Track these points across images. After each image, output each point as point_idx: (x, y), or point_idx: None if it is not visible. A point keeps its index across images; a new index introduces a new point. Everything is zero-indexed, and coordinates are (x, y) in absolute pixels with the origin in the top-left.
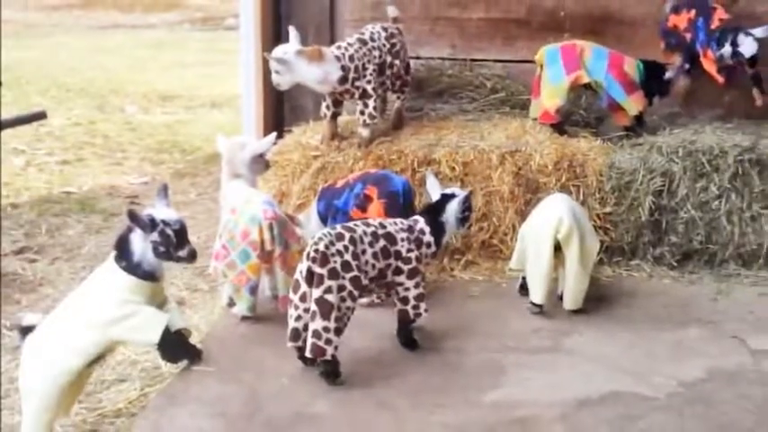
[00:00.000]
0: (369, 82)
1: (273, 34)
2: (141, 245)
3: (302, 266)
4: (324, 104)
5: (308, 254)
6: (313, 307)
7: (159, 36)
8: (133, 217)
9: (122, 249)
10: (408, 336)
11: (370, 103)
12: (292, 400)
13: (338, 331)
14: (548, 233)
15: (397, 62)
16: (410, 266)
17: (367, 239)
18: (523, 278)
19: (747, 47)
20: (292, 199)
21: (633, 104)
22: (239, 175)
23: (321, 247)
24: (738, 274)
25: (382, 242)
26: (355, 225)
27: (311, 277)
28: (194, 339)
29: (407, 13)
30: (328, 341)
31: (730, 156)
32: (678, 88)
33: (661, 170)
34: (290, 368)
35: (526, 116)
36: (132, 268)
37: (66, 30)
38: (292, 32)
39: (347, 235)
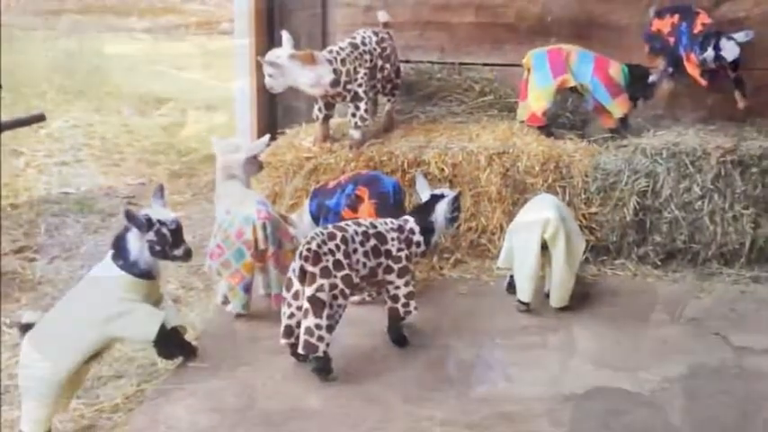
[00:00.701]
0: (360, 85)
1: (267, 38)
2: (138, 244)
3: (295, 265)
4: (316, 107)
5: (301, 253)
6: (305, 305)
7: (155, 40)
8: (130, 217)
9: (119, 248)
10: (398, 333)
11: (362, 105)
12: (285, 395)
13: (330, 328)
14: (535, 233)
15: (387, 66)
16: (400, 265)
17: (358, 239)
18: (511, 276)
19: (729, 51)
20: (285, 199)
21: (618, 107)
22: (234, 176)
23: (313, 246)
24: (721, 273)
25: (373, 241)
26: (347, 225)
27: (304, 275)
28: (189, 336)
29: (398, 17)
30: (320, 338)
31: (713, 157)
32: (662, 91)
33: (645, 171)
34: (283, 364)
35: (514, 118)
36: (129, 267)
37: (64, 34)
38: (285, 37)
39: (339, 234)
